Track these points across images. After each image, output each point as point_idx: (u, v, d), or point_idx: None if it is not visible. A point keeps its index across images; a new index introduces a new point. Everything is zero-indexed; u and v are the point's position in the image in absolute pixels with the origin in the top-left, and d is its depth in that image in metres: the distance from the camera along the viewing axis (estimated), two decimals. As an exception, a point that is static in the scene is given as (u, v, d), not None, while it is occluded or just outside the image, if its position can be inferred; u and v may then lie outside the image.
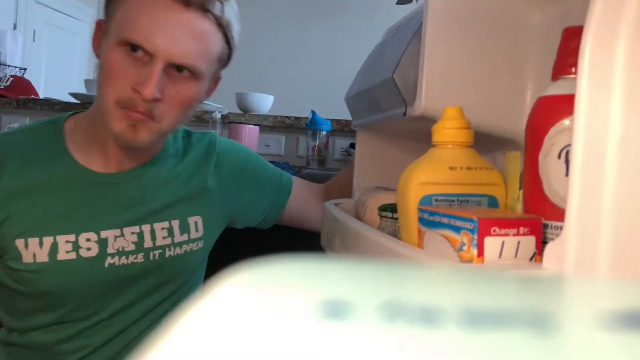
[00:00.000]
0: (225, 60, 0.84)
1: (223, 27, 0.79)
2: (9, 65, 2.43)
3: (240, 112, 1.81)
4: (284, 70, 4.03)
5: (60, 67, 4.26)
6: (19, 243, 0.78)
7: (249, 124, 1.62)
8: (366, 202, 0.68)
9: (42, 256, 0.78)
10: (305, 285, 0.15)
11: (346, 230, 0.61)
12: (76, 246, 0.79)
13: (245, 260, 0.18)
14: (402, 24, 0.77)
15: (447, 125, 0.49)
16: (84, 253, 0.80)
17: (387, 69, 0.67)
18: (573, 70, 0.40)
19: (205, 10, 0.75)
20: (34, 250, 0.78)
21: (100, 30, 0.80)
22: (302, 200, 1.01)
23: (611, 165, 0.29)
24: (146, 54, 0.73)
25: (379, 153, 0.87)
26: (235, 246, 0.98)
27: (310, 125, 1.62)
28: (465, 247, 0.37)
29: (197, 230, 0.90)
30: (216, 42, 0.79)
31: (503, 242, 0.37)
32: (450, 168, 0.47)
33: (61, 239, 0.79)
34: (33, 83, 2.21)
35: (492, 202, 0.48)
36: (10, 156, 0.79)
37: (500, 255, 0.37)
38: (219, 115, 1.64)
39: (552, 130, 0.40)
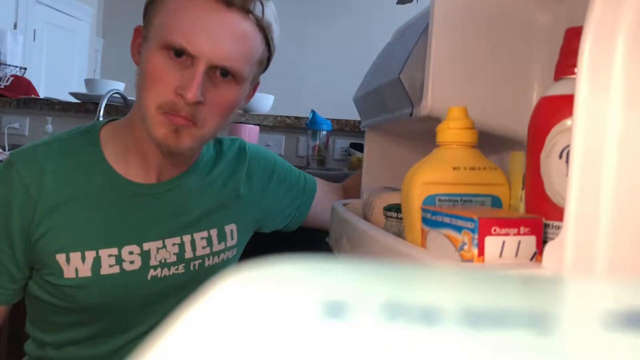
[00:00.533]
0: (264, 63, 0.83)
1: (264, 28, 0.77)
2: (9, 65, 2.43)
3: (241, 111, 1.81)
4: (284, 70, 4.03)
5: (61, 67, 4.26)
6: (60, 258, 0.75)
7: (249, 124, 1.62)
8: (373, 202, 0.68)
9: (85, 271, 0.76)
10: (305, 286, 0.15)
11: (353, 230, 0.61)
12: (119, 260, 0.78)
13: (245, 261, 0.18)
14: (410, 25, 0.77)
15: (451, 125, 0.49)
16: (127, 266, 0.78)
17: (394, 70, 0.67)
18: (575, 70, 0.40)
19: (246, 10, 0.74)
20: (76, 265, 0.76)
21: (140, 37, 0.79)
22: (325, 202, 1.01)
23: (610, 164, 0.30)
24: (188, 56, 0.72)
25: (387, 153, 0.87)
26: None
27: (310, 125, 1.62)
28: (466, 247, 0.38)
29: (232, 239, 0.90)
30: (257, 44, 0.77)
31: (504, 242, 0.37)
32: (454, 168, 0.48)
33: (104, 252, 0.77)
34: (33, 83, 2.21)
35: (496, 202, 0.48)
36: (48, 168, 0.76)
37: (500, 255, 0.37)
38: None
39: (554, 130, 0.40)
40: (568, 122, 0.39)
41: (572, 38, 0.41)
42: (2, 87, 1.99)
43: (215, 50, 0.72)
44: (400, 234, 0.54)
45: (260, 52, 0.78)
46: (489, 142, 0.59)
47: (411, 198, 0.48)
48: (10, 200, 0.75)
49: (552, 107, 0.41)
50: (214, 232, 0.87)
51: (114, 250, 0.78)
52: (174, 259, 0.82)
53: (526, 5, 0.59)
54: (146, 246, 0.80)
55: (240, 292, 0.14)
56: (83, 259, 0.76)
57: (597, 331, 0.12)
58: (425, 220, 0.45)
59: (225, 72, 0.74)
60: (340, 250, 0.69)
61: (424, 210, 0.45)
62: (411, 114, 0.63)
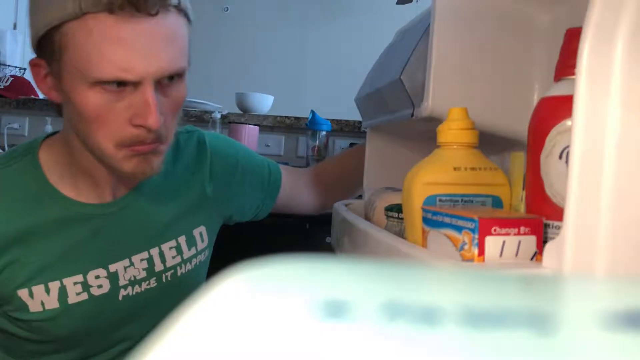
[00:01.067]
0: (189, 35, 0.75)
1: (183, 9, 0.69)
2: (8, 65, 2.43)
3: (240, 112, 1.81)
4: (284, 70, 4.03)
5: (60, 67, 4.26)
6: (22, 293, 0.71)
7: (249, 124, 1.62)
8: (375, 202, 0.68)
9: (52, 303, 0.72)
10: (305, 285, 0.15)
11: (354, 231, 0.61)
12: (86, 286, 0.74)
13: (245, 260, 0.18)
14: (411, 26, 0.77)
15: (452, 126, 0.49)
16: (95, 291, 0.74)
17: (395, 71, 0.67)
18: (575, 71, 0.40)
19: (166, 6, 0.65)
20: (41, 298, 0.71)
21: (44, 71, 0.69)
22: (291, 189, 0.98)
23: (609, 165, 0.30)
24: (130, 83, 0.64)
25: (389, 154, 0.87)
26: (235, 246, 0.98)
27: (310, 125, 1.62)
28: (466, 247, 0.38)
29: (202, 241, 0.86)
30: (184, 29, 0.70)
31: (504, 242, 0.37)
32: (455, 168, 0.48)
33: (68, 281, 0.73)
34: (32, 83, 2.21)
35: (497, 203, 0.48)
36: None
37: (501, 255, 0.37)
38: (218, 116, 1.64)
39: (554, 131, 0.40)
40: (568, 122, 0.39)
41: (572, 38, 0.41)
42: (2, 87, 1.99)
43: (156, 64, 0.65)
44: (401, 234, 0.54)
45: (186, 33, 0.71)
46: (490, 143, 0.59)
47: (412, 198, 0.48)
48: None
49: (552, 107, 0.41)
50: (182, 240, 0.82)
51: (79, 277, 0.73)
52: (144, 274, 0.78)
53: (527, 6, 0.59)
54: (112, 267, 0.76)
55: (240, 292, 0.14)
56: (47, 290, 0.72)
57: (597, 331, 0.12)
58: (426, 220, 0.45)
59: (171, 76, 0.68)
60: (342, 250, 0.69)
61: (424, 210, 0.45)
62: (412, 115, 0.63)
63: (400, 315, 0.13)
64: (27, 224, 0.71)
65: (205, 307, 0.13)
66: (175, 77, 0.69)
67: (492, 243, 0.37)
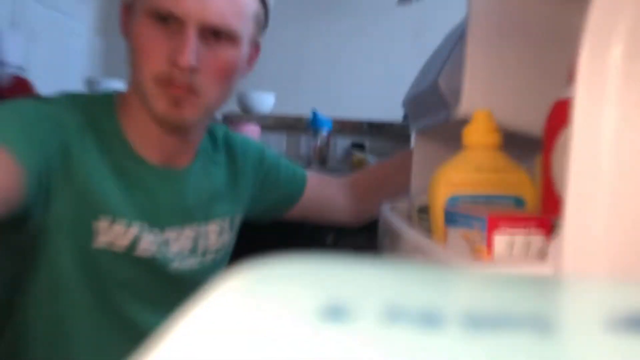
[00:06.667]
0: (261, 20, 0.78)
1: None
2: (8, 65, 2.43)
3: (241, 111, 1.81)
4: (285, 69, 4.03)
5: (60, 66, 4.26)
6: (104, 221, 0.70)
7: (250, 124, 1.62)
8: (415, 203, 0.70)
9: (124, 240, 0.72)
10: (305, 287, 0.15)
11: (391, 230, 0.64)
12: (155, 239, 0.75)
13: (245, 260, 0.18)
14: (454, 29, 0.78)
15: (475, 128, 0.51)
16: (161, 249, 0.75)
17: (434, 74, 0.68)
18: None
19: None
20: (117, 233, 0.71)
21: (128, 12, 0.75)
22: (320, 195, 0.98)
23: (606, 165, 0.31)
24: (176, 21, 0.68)
25: (435, 156, 0.87)
26: (235, 246, 0.97)
27: (311, 125, 1.62)
28: (476, 244, 0.39)
29: (232, 230, 0.87)
30: (250, 0, 0.73)
31: (512, 240, 0.38)
32: (477, 169, 0.49)
33: (144, 230, 0.74)
34: (32, 82, 2.21)
35: (519, 203, 0.49)
36: (73, 136, 0.70)
37: (509, 253, 0.38)
38: (219, 115, 1.63)
39: (564, 132, 0.40)
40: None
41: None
42: (2, 86, 1.99)
43: (204, 8, 0.68)
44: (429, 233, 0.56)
45: (254, 6, 0.74)
46: (529, 145, 0.59)
47: (436, 198, 0.50)
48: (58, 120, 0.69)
49: (562, 109, 0.42)
50: (224, 223, 0.84)
51: (147, 227, 0.75)
52: (189, 247, 0.80)
53: (562, 10, 0.59)
54: (167, 233, 0.77)
55: (239, 293, 0.14)
56: (127, 227, 0.72)
57: (599, 334, 0.12)
58: (445, 219, 0.46)
59: (218, 33, 0.70)
60: (384, 250, 0.71)
61: (445, 210, 0.47)
62: (448, 117, 0.63)
63: (400, 317, 0.13)
64: (110, 157, 0.73)
65: (205, 308, 0.13)
66: (223, 36, 0.71)
67: (501, 241, 0.38)
